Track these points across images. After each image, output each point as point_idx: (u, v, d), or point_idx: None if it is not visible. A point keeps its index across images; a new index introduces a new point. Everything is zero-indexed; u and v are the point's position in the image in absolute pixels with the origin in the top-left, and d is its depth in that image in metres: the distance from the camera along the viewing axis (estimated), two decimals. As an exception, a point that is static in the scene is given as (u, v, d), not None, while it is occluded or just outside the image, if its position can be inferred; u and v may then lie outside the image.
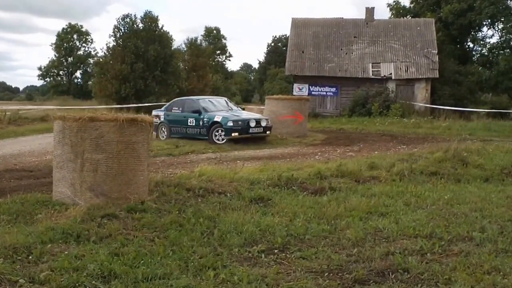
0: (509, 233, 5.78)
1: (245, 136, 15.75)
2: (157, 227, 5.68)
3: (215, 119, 15.83)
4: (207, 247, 5.11)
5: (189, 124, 16.48)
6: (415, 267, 4.67)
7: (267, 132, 16.44)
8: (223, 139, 15.59)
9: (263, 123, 16.21)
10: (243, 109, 18.18)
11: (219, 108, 16.97)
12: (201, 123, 16.14)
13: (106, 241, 5.20)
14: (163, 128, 17.28)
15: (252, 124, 15.87)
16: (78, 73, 69.62)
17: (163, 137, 17.08)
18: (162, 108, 18.19)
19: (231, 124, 15.56)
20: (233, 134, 15.52)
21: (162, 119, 17.33)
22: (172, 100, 18.79)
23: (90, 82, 48.52)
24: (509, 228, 5.99)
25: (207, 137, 15.91)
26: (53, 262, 4.54)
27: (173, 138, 16.55)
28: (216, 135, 15.72)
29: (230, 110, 17.12)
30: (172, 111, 17.34)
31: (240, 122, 15.75)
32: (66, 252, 4.79)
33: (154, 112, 17.94)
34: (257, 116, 16.71)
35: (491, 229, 5.87)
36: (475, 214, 6.65)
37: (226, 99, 19.33)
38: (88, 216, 5.84)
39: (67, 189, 6.57)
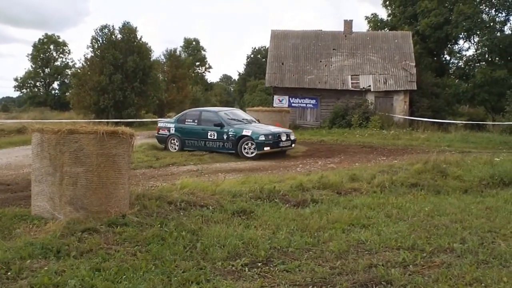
0: (489, 244, 5.85)
1: (275, 150, 15.77)
2: (138, 241, 5.61)
3: (244, 133, 15.65)
4: (190, 261, 5.06)
5: (209, 137, 16.16)
6: (398, 279, 4.68)
7: (293, 145, 16.64)
8: (252, 153, 15.41)
9: (292, 136, 16.47)
10: (259, 120, 18.05)
11: (240, 120, 16.84)
12: (225, 136, 15.88)
13: (87, 256, 5.11)
14: (173, 140, 16.94)
15: (284, 137, 15.99)
16: (55, 84, 69.02)
17: (174, 149, 16.77)
18: (171, 120, 17.84)
19: (263, 138, 15.41)
20: (265, 149, 15.42)
21: (172, 132, 16.99)
22: (183, 112, 18.39)
23: (68, 94, 48.01)
24: (489, 239, 6.06)
25: (232, 151, 15.72)
26: (32, 278, 4.45)
27: (185, 151, 16.34)
28: (245, 149, 15.49)
29: (250, 122, 17.04)
30: (186, 123, 16.92)
31: (270, 136, 15.62)
32: (46, 268, 4.70)
33: (160, 124, 17.74)
34: (282, 129, 16.86)
35: (471, 241, 5.93)
36: (456, 225, 6.71)
37: (240, 110, 19.13)
38: (68, 231, 5.74)
39: (46, 203, 6.45)
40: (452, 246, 5.74)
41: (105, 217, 6.25)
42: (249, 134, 15.58)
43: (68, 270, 4.66)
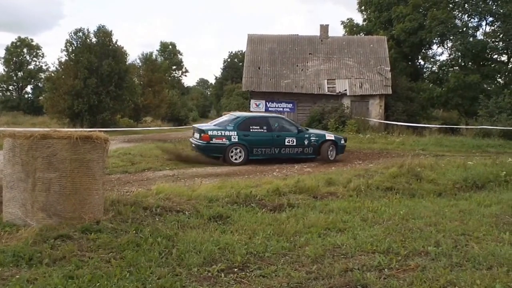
0: (462, 247, 5.92)
1: None
2: (113, 247, 5.52)
3: (327, 138, 16.36)
4: (166, 267, 5.00)
5: (287, 144, 15.71)
6: (373, 283, 4.71)
7: None
8: (332, 156, 16.13)
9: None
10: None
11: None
12: (306, 142, 16.01)
13: (60, 263, 5.00)
14: (236, 150, 15.09)
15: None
16: (28, 88, 67.81)
17: (237, 160, 15.06)
18: (225, 127, 15.41)
19: (343, 142, 16.64)
20: (343, 151, 16.77)
21: (235, 140, 15.08)
22: (241, 118, 15.93)
23: (41, 98, 47.30)
24: (463, 242, 6.14)
25: (312, 156, 16.13)
26: (3, 287, 4.35)
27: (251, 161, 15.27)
28: (328, 153, 16.02)
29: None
30: (251, 130, 15.46)
31: (345, 140, 17.01)
32: (17, 276, 4.59)
33: (212, 132, 15.14)
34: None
35: (445, 244, 5.99)
36: (430, 228, 6.79)
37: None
38: (41, 238, 5.61)
39: (18, 209, 6.31)
40: (427, 249, 5.79)
41: (78, 223, 6.13)
42: (332, 138, 16.43)
43: (41, 278, 4.56)
